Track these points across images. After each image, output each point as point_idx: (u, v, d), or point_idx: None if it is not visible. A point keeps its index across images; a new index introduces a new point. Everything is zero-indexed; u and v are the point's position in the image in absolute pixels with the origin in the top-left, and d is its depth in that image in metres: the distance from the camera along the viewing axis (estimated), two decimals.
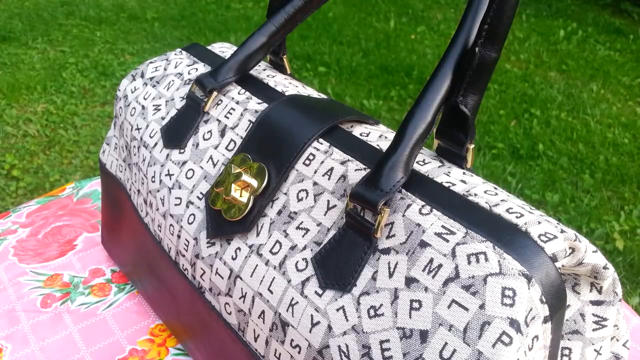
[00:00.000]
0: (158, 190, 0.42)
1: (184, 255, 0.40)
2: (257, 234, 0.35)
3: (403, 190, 0.30)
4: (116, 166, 0.50)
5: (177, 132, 0.43)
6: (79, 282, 0.54)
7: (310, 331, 0.30)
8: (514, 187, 1.52)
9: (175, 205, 0.40)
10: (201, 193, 0.39)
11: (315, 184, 0.34)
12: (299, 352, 0.31)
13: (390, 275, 0.28)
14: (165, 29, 2.44)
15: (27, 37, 2.28)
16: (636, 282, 1.25)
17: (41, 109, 1.79)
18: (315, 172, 0.34)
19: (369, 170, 0.32)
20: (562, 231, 0.27)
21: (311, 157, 0.35)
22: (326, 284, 0.30)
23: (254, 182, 0.35)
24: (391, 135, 0.36)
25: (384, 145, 0.34)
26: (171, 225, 0.40)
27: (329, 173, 0.33)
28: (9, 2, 2.64)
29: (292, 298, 0.32)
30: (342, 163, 0.33)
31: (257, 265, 0.34)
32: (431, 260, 0.27)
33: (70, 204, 0.65)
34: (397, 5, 2.88)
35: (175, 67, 0.47)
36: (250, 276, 0.34)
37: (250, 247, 0.35)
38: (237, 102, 0.41)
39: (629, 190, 1.56)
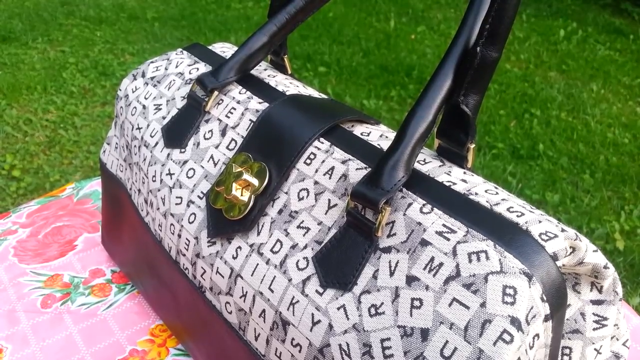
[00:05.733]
0: (159, 190, 0.42)
1: (184, 255, 0.40)
2: (258, 233, 0.35)
3: (404, 189, 0.30)
4: (117, 166, 0.50)
5: (178, 132, 0.43)
6: (79, 283, 0.54)
7: (311, 330, 0.30)
8: (514, 187, 1.52)
9: (176, 204, 0.40)
10: (202, 192, 0.39)
11: (316, 183, 0.34)
12: (299, 351, 0.31)
13: (391, 273, 0.28)
14: (165, 29, 2.44)
15: (27, 37, 2.28)
16: (636, 282, 1.25)
17: (41, 109, 1.79)
18: (316, 171, 0.34)
19: (369, 169, 0.32)
20: (562, 230, 0.27)
21: (312, 157, 0.35)
22: (327, 282, 0.30)
23: (255, 181, 0.36)
24: (392, 135, 0.36)
25: (385, 145, 0.34)
26: (172, 224, 0.40)
27: (329, 172, 0.33)
28: (9, 2, 2.64)
29: (293, 297, 0.32)
30: (343, 162, 0.33)
31: (257, 264, 0.34)
32: (432, 259, 0.27)
33: (70, 204, 0.65)
34: (397, 5, 2.88)
35: (176, 66, 0.47)
36: (251, 275, 0.34)
37: (251, 246, 0.35)
38: (238, 102, 0.41)
39: (629, 190, 1.56)
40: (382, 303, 0.28)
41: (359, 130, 0.36)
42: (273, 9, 0.43)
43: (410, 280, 0.28)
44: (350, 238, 0.30)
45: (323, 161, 0.34)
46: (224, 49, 0.49)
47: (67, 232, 0.60)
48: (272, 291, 0.33)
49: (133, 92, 0.48)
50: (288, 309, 0.32)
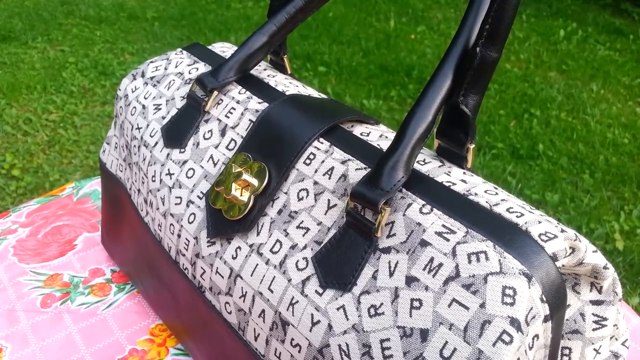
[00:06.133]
0: (158, 190, 0.42)
1: (184, 255, 0.40)
2: (258, 233, 0.35)
3: (403, 190, 0.30)
4: (116, 165, 0.50)
5: (177, 132, 0.43)
6: (79, 282, 0.54)
7: (310, 330, 0.30)
8: (514, 187, 1.52)
9: (176, 204, 0.40)
10: (201, 192, 0.39)
11: (315, 183, 0.34)
12: (299, 351, 0.31)
13: (391, 274, 0.28)
14: (165, 29, 2.44)
15: (27, 37, 2.28)
16: (636, 282, 1.25)
17: (41, 109, 1.79)
18: (316, 171, 0.34)
19: (369, 169, 0.32)
20: (562, 231, 0.27)
21: (312, 157, 0.35)
22: (326, 283, 0.30)
23: (255, 182, 0.36)
24: (391, 135, 0.36)
25: (385, 145, 0.34)
26: (171, 224, 0.40)
27: (329, 172, 0.33)
28: (9, 2, 2.64)
29: (293, 297, 0.32)
30: (343, 162, 0.33)
31: (257, 265, 0.34)
32: (432, 259, 0.27)
33: (70, 203, 0.65)
34: (397, 5, 2.88)
35: (176, 66, 0.47)
36: (251, 275, 0.34)
37: (250, 246, 0.35)
38: (238, 102, 0.41)
39: (629, 190, 1.56)
40: (382, 303, 0.28)
41: (358, 130, 0.36)
42: (272, 8, 0.43)
43: (410, 280, 0.28)
44: (350, 238, 0.30)
45: (323, 161, 0.34)
46: (224, 48, 0.49)
47: (67, 232, 0.60)
48: (271, 291, 0.33)
49: (132, 92, 0.48)
50: (287, 309, 0.32)
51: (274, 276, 0.33)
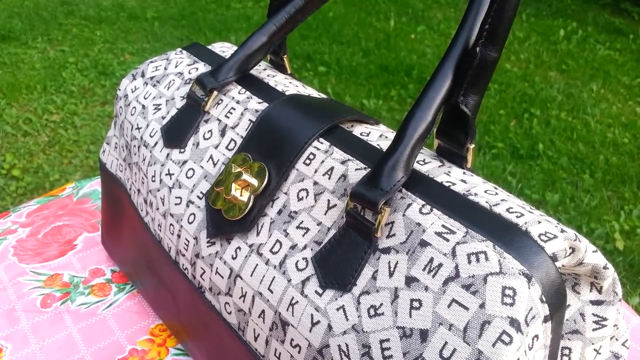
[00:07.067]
0: (158, 190, 0.42)
1: (184, 255, 0.40)
2: (258, 234, 0.35)
3: (403, 190, 0.30)
4: (116, 166, 0.50)
5: (177, 132, 0.43)
6: (79, 282, 0.54)
7: (310, 330, 0.30)
8: (514, 187, 1.52)
9: (176, 204, 0.40)
10: (201, 192, 0.39)
11: (315, 183, 0.34)
12: (299, 352, 0.31)
13: (391, 274, 0.28)
14: (165, 29, 2.44)
15: (27, 37, 2.28)
16: (636, 282, 1.25)
17: (41, 109, 1.79)
18: (316, 171, 0.34)
19: (369, 169, 0.32)
20: (562, 231, 0.27)
21: (311, 157, 0.35)
22: (326, 283, 0.30)
23: (255, 182, 0.36)
24: (391, 135, 0.36)
25: (384, 145, 0.34)
26: (171, 224, 0.40)
27: (329, 172, 0.33)
28: (9, 2, 2.64)
29: (292, 297, 0.32)
30: (343, 162, 0.33)
31: (257, 265, 0.34)
32: (431, 260, 0.27)
33: (70, 203, 0.65)
34: (397, 5, 2.88)
35: (176, 66, 0.47)
36: (250, 275, 0.34)
37: (250, 246, 0.35)
38: (238, 102, 0.41)
39: (629, 190, 1.56)
40: (382, 304, 0.28)
41: (358, 130, 0.36)
42: (272, 8, 0.43)
43: (410, 281, 0.28)
44: (350, 239, 0.30)
45: (322, 161, 0.34)
46: (224, 48, 0.49)
47: (67, 232, 0.60)
48: (271, 292, 0.33)
49: (132, 92, 0.48)
50: (287, 310, 0.32)
51: (274, 276, 0.33)
